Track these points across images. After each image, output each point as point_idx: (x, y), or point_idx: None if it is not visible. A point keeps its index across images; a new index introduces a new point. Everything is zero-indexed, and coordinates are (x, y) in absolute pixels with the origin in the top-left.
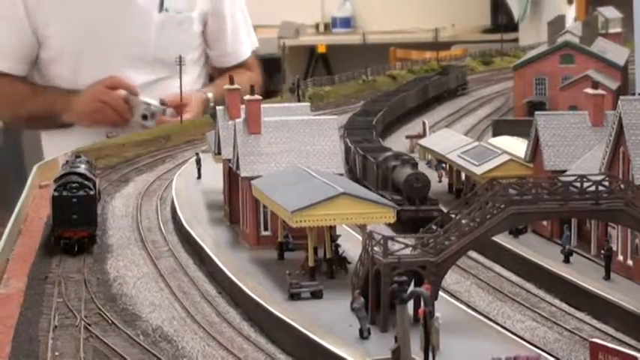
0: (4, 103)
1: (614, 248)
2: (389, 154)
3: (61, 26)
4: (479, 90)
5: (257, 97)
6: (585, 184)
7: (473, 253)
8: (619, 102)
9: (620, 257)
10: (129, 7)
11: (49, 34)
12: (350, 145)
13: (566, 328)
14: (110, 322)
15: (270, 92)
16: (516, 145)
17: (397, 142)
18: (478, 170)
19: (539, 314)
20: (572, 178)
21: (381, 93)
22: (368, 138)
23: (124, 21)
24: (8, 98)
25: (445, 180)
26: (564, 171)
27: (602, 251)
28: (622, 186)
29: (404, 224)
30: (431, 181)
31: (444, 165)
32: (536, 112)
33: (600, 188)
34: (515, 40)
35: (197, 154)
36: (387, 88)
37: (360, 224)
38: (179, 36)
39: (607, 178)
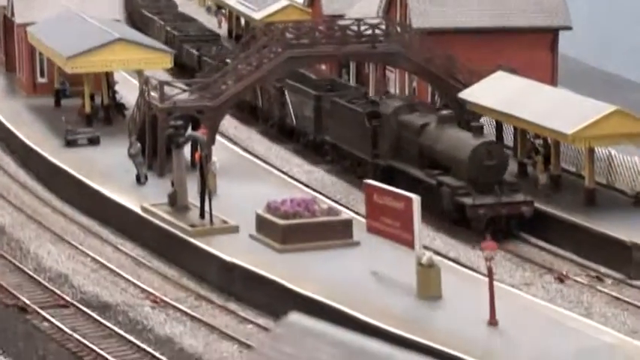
0: None
1: (392, 92)
2: (400, 103)
3: None
4: None
5: None
6: (362, 28)
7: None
8: None
9: None
10: None
11: None
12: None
13: (345, 167)
14: None
15: None
16: None
17: None
18: (257, 15)
19: (321, 157)
20: (350, 22)
21: None
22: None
23: None
24: None
25: (225, 26)
26: (342, 15)
27: (382, 95)
28: (399, 29)
29: (475, 227)
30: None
31: (223, 11)
32: None
33: (377, 32)
34: None
35: None
36: None
37: (137, 70)
38: None
39: (384, 22)
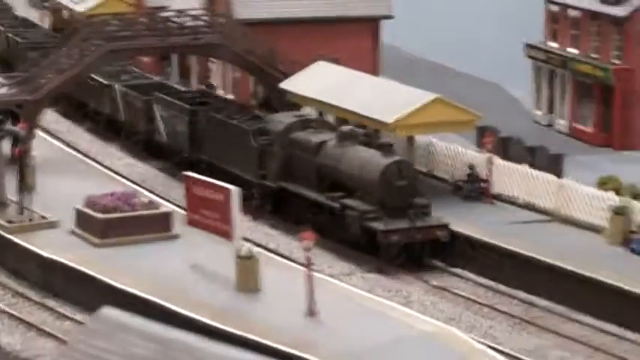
0: None
1: (215, 83)
2: (292, 120)
3: None
4: None
5: None
6: (184, 19)
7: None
8: None
9: (222, 92)
10: None
11: None
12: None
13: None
14: None
15: None
16: None
17: None
18: (80, 8)
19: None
20: (172, 13)
21: None
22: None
23: None
24: None
25: (48, 20)
26: (166, 7)
27: (204, 87)
28: (221, 21)
29: (386, 254)
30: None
31: (46, 4)
32: None
33: (199, 23)
34: None
35: None
36: None
37: None
38: None
39: (206, 13)
